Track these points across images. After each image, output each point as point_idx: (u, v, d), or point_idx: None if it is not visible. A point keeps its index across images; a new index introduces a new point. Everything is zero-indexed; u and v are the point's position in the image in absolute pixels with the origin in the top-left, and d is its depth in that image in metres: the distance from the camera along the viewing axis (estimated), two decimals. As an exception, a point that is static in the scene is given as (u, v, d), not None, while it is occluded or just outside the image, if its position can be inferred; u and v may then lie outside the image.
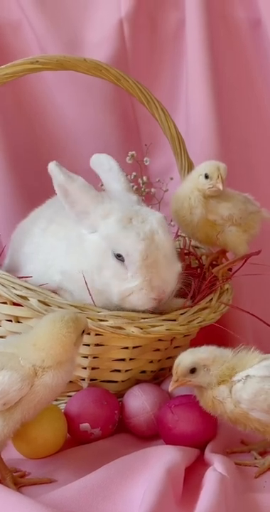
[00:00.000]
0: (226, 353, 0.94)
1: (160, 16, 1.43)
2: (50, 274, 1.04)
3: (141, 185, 1.37)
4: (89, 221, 1.01)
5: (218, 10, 1.42)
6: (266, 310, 1.31)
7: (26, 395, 0.85)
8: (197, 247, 1.24)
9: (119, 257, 0.99)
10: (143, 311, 1.00)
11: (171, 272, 1.01)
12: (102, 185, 1.25)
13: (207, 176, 1.07)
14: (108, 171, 1.12)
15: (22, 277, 1.06)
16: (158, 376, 1.14)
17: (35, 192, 1.41)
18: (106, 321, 0.98)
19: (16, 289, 1.00)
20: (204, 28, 1.38)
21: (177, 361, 0.94)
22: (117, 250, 0.99)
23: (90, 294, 1.00)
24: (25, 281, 1.02)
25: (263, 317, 1.15)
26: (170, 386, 0.94)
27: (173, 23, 1.43)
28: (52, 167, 1.02)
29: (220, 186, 1.06)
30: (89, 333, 0.94)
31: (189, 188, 1.10)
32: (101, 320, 0.98)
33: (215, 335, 1.23)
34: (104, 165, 1.13)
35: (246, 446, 0.99)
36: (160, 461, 0.85)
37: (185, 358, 0.94)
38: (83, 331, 0.90)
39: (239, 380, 0.91)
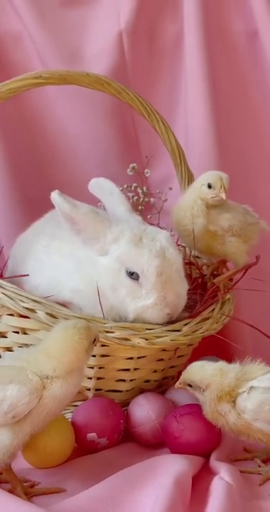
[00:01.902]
0: (230, 375, 0.95)
1: (159, 28, 1.45)
2: (58, 291, 1.06)
3: (141, 195, 1.40)
4: (98, 246, 1.03)
5: (215, 22, 1.44)
6: (264, 318, 1.34)
7: (35, 407, 0.87)
8: (197, 257, 1.26)
9: (132, 275, 1.01)
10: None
11: (183, 287, 1.04)
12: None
13: (210, 186, 1.10)
14: (109, 194, 1.13)
15: (19, 276, 1.09)
16: (162, 385, 1.16)
17: (36, 204, 1.42)
18: (113, 332, 1.00)
19: (24, 302, 1.02)
20: (202, 40, 1.40)
21: (187, 368, 0.98)
22: (131, 269, 1.01)
23: (102, 310, 1.02)
24: (32, 294, 1.03)
25: (262, 326, 1.18)
26: (176, 384, 0.99)
27: (171, 34, 1.45)
28: (56, 196, 1.02)
29: (223, 196, 1.08)
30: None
31: (192, 198, 1.12)
32: (107, 331, 1.00)
33: (216, 343, 1.25)
34: (105, 188, 1.14)
35: (249, 454, 1.02)
36: (169, 470, 0.88)
37: (188, 372, 0.98)
38: (94, 340, 0.92)
39: (243, 391, 0.94)
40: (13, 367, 0.89)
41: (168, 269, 1.02)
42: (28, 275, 1.08)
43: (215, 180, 1.09)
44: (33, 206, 1.44)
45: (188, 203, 1.12)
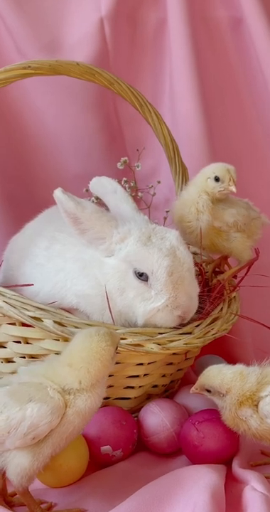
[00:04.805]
0: (251, 378, 0.91)
1: (141, 14, 1.40)
2: (62, 296, 1.00)
3: (127, 189, 1.34)
4: (104, 246, 0.98)
5: (199, 9, 1.39)
6: (263, 314, 1.31)
7: (57, 427, 0.81)
8: (195, 254, 1.22)
9: (140, 276, 0.96)
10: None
11: (195, 288, 0.99)
12: (97, 199, 1.22)
13: (217, 179, 1.05)
14: (112, 193, 1.08)
15: (23, 285, 1.02)
16: (167, 389, 1.11)
17: (19, 202, 1.36)
18: (125, 338, 0.95)
19: (28, 310, 0.95)
20: (186, 27, 1.36)
21: (203, 372, 0.94)
22: (140, 269, 0.96)
23: (111, 314, 0.96)
24: (37, 302, 0.97)
25: (263, 321, 1.15)
26: (191, 389, 0.95)
27: (154, 21, 1.40)
28: (59, 194, 0.96)
29: (233, 189, 1.04)
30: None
31: (196, 192, 1.07)
32: (120, 338, 0.94)
33: (215, 341, 1.22)
34: (107, 187, 1.09)
35: (269, 458, 0.99)
36: (198, 483, 0.83)
37: (206, 377, 0.94)
38: (116, 347, 0.86)
39: (266, 395, 0.90)
40: (31, 383, 0.82)
41: (179, 268, 0.97)
42: (32, 284, 1.01)
43: (223, 173, 1.05)
44: (15, 203, 1.37)
45: (193, 197, 1.07)
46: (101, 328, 0.86)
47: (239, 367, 0.94)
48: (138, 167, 1.32)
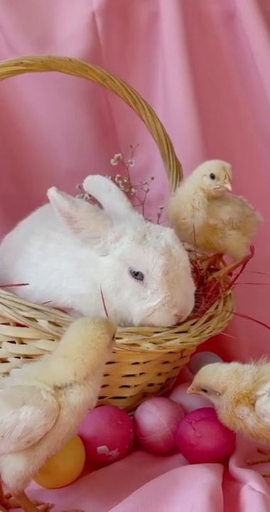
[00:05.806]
0: (247, 377, 0.91)
1: (133, 9, 1.39)
2: (57, 296, 0.99)
3: (121, 185, 1.33)
4: (98, 245, 0.97)
5: (192, 3, 1.38)
6: (258, 311, 1.30)
7: (52, 429, 0.80)
8: (189, 251, 1.21)
9: (136, 275, 0.95)
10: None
11: (191, 287, 0.98)
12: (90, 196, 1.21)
13: (212, 176, 1.04)
14: (107, 191, 1.06)
15: (18, 285, 1.01)
16: (163, 387, 1.11)
17: (13, 198, 1.35)
18: (121, 338, 0.94)
19: (23, 311, 0.94)
20: (179, 22, 1.35)
21: (199, 371, 0.93)
22: (135, 268, 0.95)
23: (106, 314, 0.95)
24: (31, 302, 0.96)
25: (259, 318, 1.14)
26: (188, 390, 0.94)
27: (146, 16, 1.39)
28: (54, 193, 0.94)
29: (229, 187, 1.03)
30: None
31: (192, 189, 1.06)
32: (116, 338, 0.93)
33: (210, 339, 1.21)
34: (102, 186, 1.07)
35: (265, 456, 0.99)
36: (195, 483, 0.83)
37: (201, 377, 0.93)
38: (113, 336, 0.85)
39: (263, 394, 0.90)
40: (24, 387, 0.81)
41: (174, 267, 0.96)
42: (27, 284, 1.00)
43: (218, 171, 1.04)
44: (7, 201, 1.36)
45: (189, 194, 1.06)
46: (97, 317, 0.85)
47: (234, 365, 0.93)
48: (131, 163, 1.31)
